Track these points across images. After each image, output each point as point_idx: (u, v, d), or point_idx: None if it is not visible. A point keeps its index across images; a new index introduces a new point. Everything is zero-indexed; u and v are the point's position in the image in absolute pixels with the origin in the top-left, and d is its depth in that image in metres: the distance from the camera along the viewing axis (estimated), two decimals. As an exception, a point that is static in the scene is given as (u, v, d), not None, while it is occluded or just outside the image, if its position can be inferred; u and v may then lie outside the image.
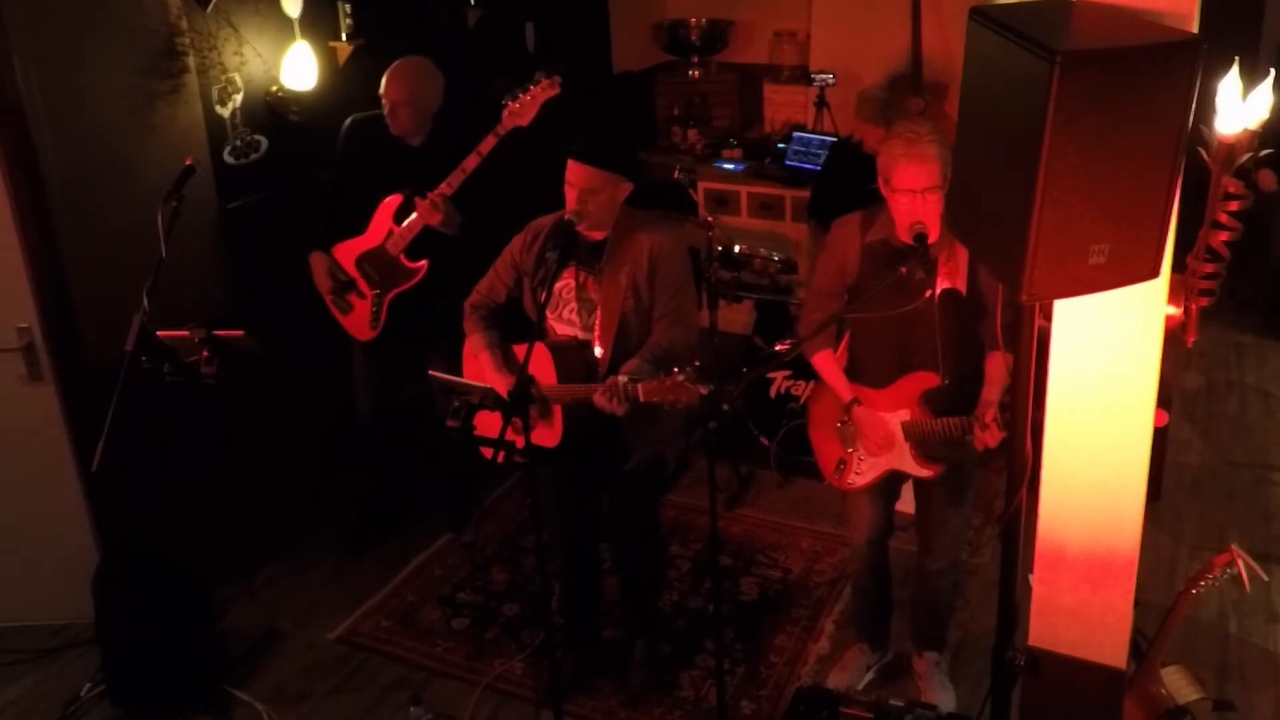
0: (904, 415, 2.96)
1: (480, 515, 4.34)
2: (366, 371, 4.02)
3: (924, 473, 2.99)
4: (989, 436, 2.75)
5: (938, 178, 2.67)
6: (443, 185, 3.52)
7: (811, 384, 4.51)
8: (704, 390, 2.62)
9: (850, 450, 3.09)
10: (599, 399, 2.82)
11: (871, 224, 2.90)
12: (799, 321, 3.20)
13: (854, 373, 3.06)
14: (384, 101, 3.64)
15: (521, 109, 3.45)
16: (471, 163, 3.49)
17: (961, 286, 2.82)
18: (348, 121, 3.82)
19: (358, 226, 3.74)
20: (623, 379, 2.78)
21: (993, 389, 2.82)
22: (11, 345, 3.45)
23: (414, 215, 3.60)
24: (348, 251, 3.78)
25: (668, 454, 3.24)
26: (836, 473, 3.14)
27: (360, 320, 3.83)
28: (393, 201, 3.67)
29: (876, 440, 2.99)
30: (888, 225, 2.83)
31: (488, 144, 3.47)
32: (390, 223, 3.68)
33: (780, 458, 4.52)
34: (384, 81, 3.63)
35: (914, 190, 2.68)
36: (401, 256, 3.69)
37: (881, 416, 2.98)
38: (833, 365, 3.06)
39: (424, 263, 3.70)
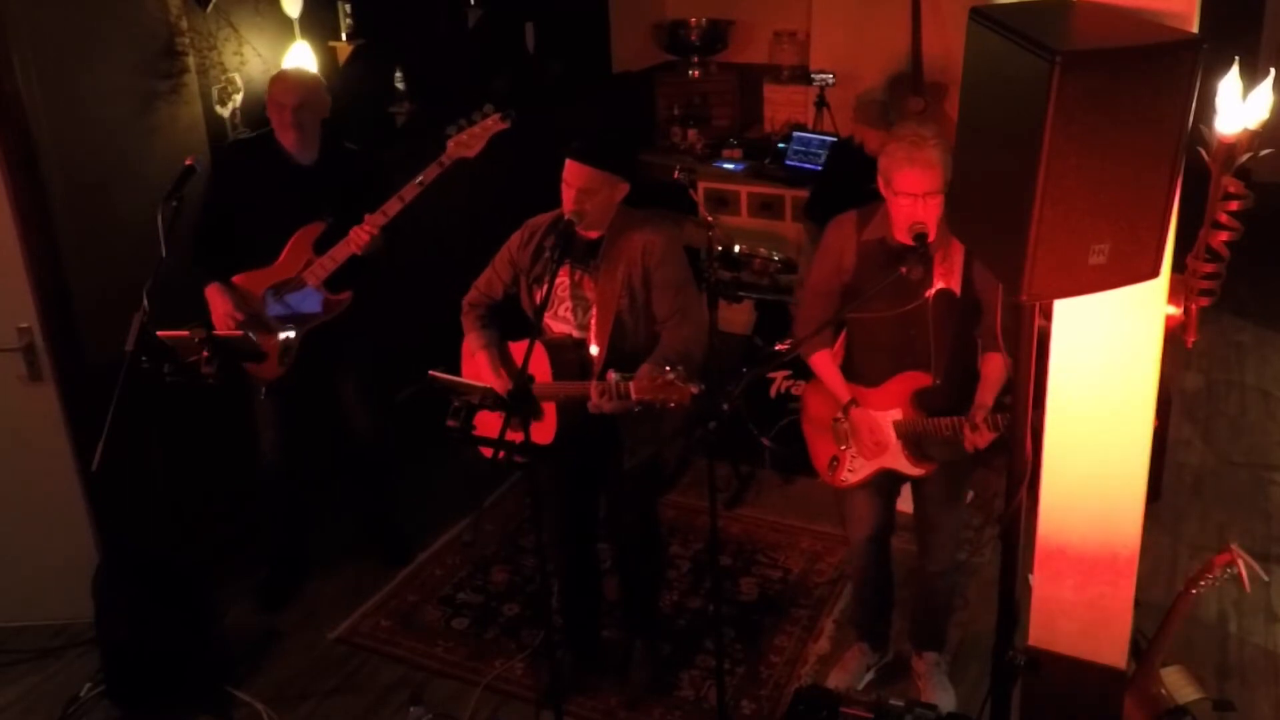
0: (896, 415, 2.95)
1: (480, 515, 4.34)
2: (271, 409, 3.68)
3: (917, 471, 2.99)
4: (978, 438, 2.75)
5: (939, 182, 2.67)
6: (377, 214, 3.37)
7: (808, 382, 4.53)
8: (694, 389, 2.61)
9: (844, 448, 3.08)
10: (591, 395, 2.81)
11: (867, 223, 2.90)
12: (795, 321, 3.20)
13: (849, 371, 3.06)
14: (277, 108, 3.42)
15: (470, 140, 3.33)
16: (410, 192, 3.36)
17: (956, 287, 2.82)
18: (227, 143, 3.54)
19: (257, 254, 3.50)
20: (614, 376, 2.77)
21: (987, 391, 2.81)
22: (11, 345, 3.45)
23: (341, 245, 3.43)
24: (254, 283, 3.51)
25: (667, 454, 3.23)
26: (830, 469, 3.14)
27: (269, 356, 3.47)
28: (312, 230, 3.47)
29: (871, 442, 2.99)
30: (884, 224, 2.83)
31: (430, 173, 3.35)
32: (309, 252, 3.48)
33: (776, 455, 4.51)
34: (275, 89, 3.43)
35: (915, 194, 2.68)
36: (322, 288, 3.51)
37: (876, 418, 2.98)
38: (830, 365, 3.06)
39: (348, 294, 3.54)
